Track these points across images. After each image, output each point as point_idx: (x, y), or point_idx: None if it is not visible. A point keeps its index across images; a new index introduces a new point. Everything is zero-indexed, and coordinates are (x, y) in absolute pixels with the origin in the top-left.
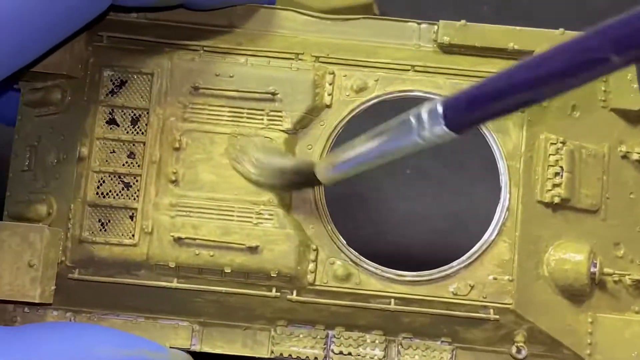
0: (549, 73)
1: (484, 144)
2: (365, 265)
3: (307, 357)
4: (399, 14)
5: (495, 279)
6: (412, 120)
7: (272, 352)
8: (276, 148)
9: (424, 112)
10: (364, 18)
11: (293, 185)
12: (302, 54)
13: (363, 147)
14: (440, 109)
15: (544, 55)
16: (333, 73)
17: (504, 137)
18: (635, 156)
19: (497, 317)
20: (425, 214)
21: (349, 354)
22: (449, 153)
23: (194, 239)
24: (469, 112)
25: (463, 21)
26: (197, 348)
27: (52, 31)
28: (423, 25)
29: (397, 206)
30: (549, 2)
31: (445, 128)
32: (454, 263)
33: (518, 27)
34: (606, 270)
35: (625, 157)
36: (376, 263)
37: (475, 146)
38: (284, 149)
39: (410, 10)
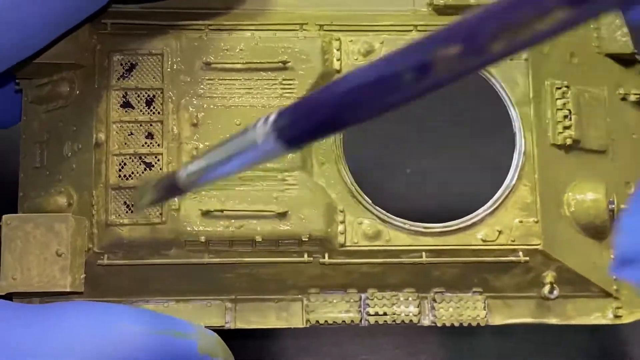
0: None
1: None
2: (393, 222)
3: (344, 321)
4: None
5: (520, 222)
6: (249, 132)
7: (307, 321)
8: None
9: (258, 126)
10: None
11: (163, 196)
12: (306, 24)
13: (212, 155)
14: (271, 120)
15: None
16: (339, 39)
17: (512, 86)
18: (632, 98)
19: (527, 258)
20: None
21: (384, 313)
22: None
23: (222, 211)
24: (299, 124)
25: None
26: (231, 325)
27: (53, 24)
28: None
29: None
30: None
31: (277, 141)
32: (480, 210)
33: None
34: (623, 206)
35: (624, 99)
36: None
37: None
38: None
39: None
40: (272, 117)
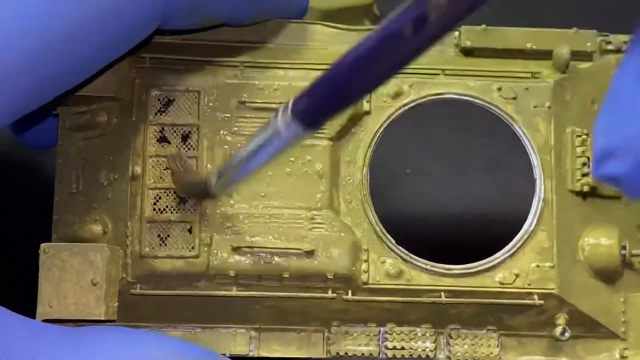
0: (364, 56)
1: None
2: (415, 262)
3: (363, 354)
4: None
5: (537, 266)
6: (271, 123)
7: (328, 352)
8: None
9: (279, 112)
10: None
11: (192, 195)
12: None
13: (239, 155)
14: (290, 106)
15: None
16: None
17: (534, 133)
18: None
19: (542, 302)
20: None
21: (402, 348)
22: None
23: (252, 247)
24: (312, 107)
25: (484, 25)
26: (255, 354)
27: (100, 56)
28: None
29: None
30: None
31: (297, 124)
32: (499, 254)
33: (534, 29)
34: (634, 251)
35: None
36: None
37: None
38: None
39: None
40: (290, 104)
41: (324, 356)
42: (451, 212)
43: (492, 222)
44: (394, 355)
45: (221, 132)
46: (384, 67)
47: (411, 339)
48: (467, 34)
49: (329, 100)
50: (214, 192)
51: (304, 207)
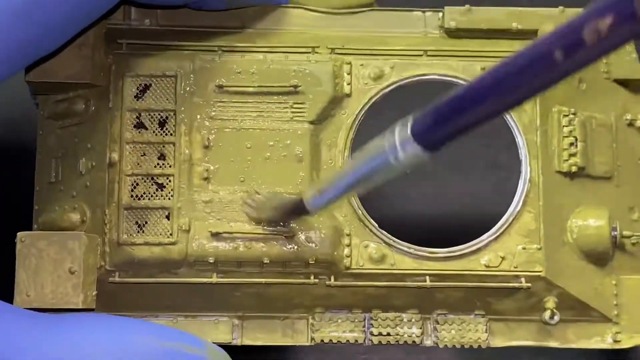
0: (504, 79)
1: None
2: (398, 246)
3: (348, 340)
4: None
5: (524, 248)
6: (385, 142)
7: (312, 339)
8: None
9: (396, 132)
10: (369, 10)
11: (286, 216)
12: (318, 47)
13: (344, 174)
14: (409, 128)
15: (500, 64)
16: (350, 63)
17: (519, 113)
18: (639, 123)
19: (529, 284)
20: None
21: (388, 334)
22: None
23: (231, 233)
24: (437, 127)
25: (467, 6)
26: (238, 342)
27: (71, 23)
28: (428, 13)
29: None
30: None
31: (416, 146)
32: (484, 236)
33: (519, 8)
34: (625, 233)
35: (630, 124)
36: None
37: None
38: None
39: (409, 5)
40: (408, 123)
41: (309, 343)
42: (446, 208)
43: (484, 213)
44: (379, 341)
45: (199, 117)
46: (526, 89)
47: (397, 325)
48: (451, 15)
49: (459, 120)
50: (311, 210)
51: (284, 192)
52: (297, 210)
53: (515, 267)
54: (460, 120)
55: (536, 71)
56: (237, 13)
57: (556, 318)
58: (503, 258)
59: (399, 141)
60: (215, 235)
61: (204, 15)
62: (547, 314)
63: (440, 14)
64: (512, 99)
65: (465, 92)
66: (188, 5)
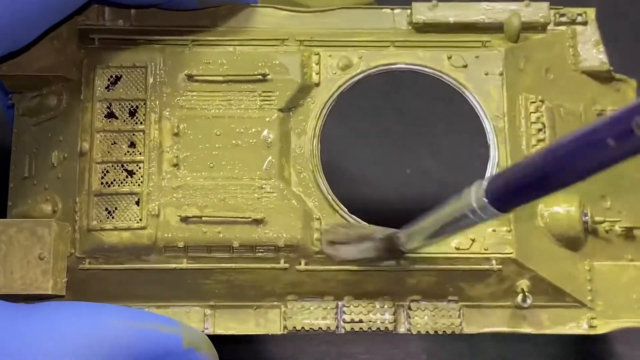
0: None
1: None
2: None
3: (320, 328)
4: None
5: (494, 230)
6: (465, 206)
7: (284, 327)
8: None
9: (472, 197)
10: (339, 8)
11: (381, 258)
12: (287, 39)
13: (431, 227)
14: (483, 193)
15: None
16: (318, 54)
17: (486, 99)
18: (609, 114)
19: (500, 267)
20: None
21: (360, 321)
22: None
23: (200, 217)
24: (508, 195)
25: (435, 1)
26: (210, 331)
27: (37, 17)
28: (397, 10)
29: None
30: None
31: (492, 208)
32: None
33: (486, 3)
34: (597, 218)
35: (600, 114)
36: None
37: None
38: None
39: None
40: (484, 187)
41: (281, 332)
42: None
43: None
44: (352, 328)
45: (168, 106)
46: (584, 168)
47: (369, 312)
48: (419, 10)
49: (526, 188)
50: (406, 250)
51: (252, 177)
52: (391, 250)
53: (485, 249)
54: (527, 195)
55: (591, 154)
56: (209, 12)
57: (529, 301)
58: (473, 240)
59: (476, 205)
60: (185, 220)
61: (177, 14)
62: (519, 297)
63: (409, 10)
64: (571, 176)
65: (529, 168)
66: (160, 4)
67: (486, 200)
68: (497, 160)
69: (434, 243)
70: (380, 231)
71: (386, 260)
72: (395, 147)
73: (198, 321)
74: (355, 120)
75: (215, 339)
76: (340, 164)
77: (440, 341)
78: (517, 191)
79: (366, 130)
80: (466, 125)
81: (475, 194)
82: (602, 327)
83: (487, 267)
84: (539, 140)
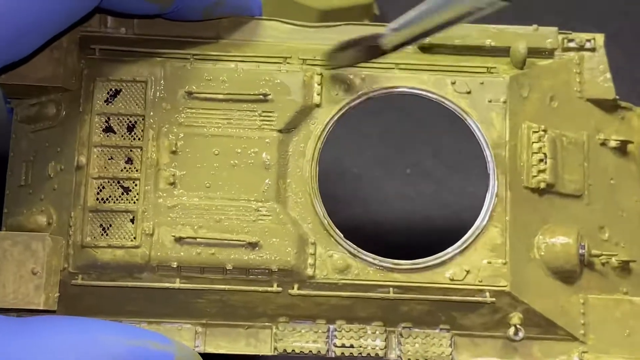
0: None
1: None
2: (362, 257)
3: (311, 351)
4: (400, 13)
5: (489, 262)
6: None
7: (275, 349)
8: None
9: None
10: (344, 24)
11: (360, 56)
12: (290, 57)
13: (425, 21)
14: None
15: None
16: (321, 74)
17: (488, 127)
18: (612, 143)
19: (493, 299)
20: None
21: (351, 345)
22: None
23: (195, 238)
24: None
25: None
26: (200, 349)
27: (46, 27)
28: None
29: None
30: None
31: None
32: (449, 249)
33: (494, 25)
34: (594, 252)
35: (603, 144)
36: (373, 254)
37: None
38: None
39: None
40: None
41: (272, 353)
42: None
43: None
44: (342, 353)
45: (167, 123)
46: None
47: (361, 337)
48: None
49: None
50: (386, 46)
51: (249, 199)
52: (371, 49)
53: (480, 282)
54: None
55: None
56: (212, 24)
57: (520, 334)
58: (468, 272)
59: None
60: (179, 240)
61: (180, 25)
62: (511, 330)
63: None
64: None
65: None
66: (164, 15)
67: None
68: (496, 191)
69: (422, 37)
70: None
71: (365, 60)
72: (395, 147)
73: (189, 339)
74: (355, 120)
75: (209, 357)
76: (341, 164)
77: None
78: None
79: (367, 131)
80: (466, 126)
81: None
82: None
83: (480, 299)
84: (540, 171)
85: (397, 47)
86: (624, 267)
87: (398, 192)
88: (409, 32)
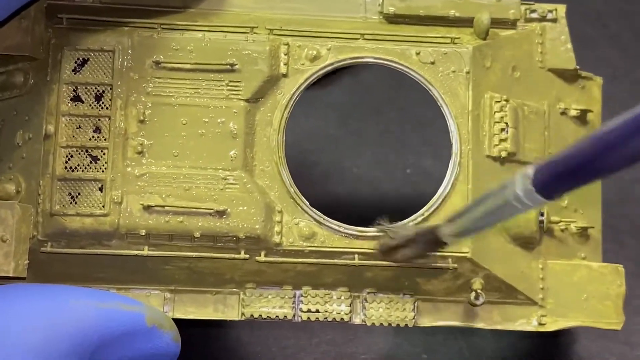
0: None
1: None
2: (328, 224)
3: (277, 316)
4: None
5: None
6: (510, 194)
7: (242, 314)
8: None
9: (517, 185)
10: None
11: (423, 249)
12: (257, 27)
13: (473, 213)
14: (530, 181)
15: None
16: (287, 44)
17: (452, 98)
18: (573, 112)
19: (455, 265)
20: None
21: (317, 310)
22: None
23: (163, 206)
24: (555, 182)
25: None
26: (169, 315)
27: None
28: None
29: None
30: None
31: (538, 196)
32: (412, 217)
33: None
34: (553, 218)
35: (564, 113)
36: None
37: None
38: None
39: None
40: (529, 172)
41: (239, 318)
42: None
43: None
44: (308, 318)
45: (135, 92)
46: (636, 153)
47: (326, 302)
48: (390, 1)
49: (574, 176)
50: (447, 241)
51: (217, 168)
52: (433, 241)
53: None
54: (574, 181)
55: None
56: None
57: (481, 299)
58: None
59: (523, 194)
60: (147, 208)
61: None
62: (472, 295)
63: (381, 0)
64: (625, 160)
65: (579, 149)
66: None
67: (533, 188)
68: (459, 160)
69: (477, 233)
70: (419, 229)
71: (430, 252)
72: (395, 147)
73: (158, 304)
74: (356, 120)
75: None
76: (341, 164)
77: (441, 340)
78: (564, 177)
79: (367, 131)
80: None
81: (521, 183)
82: (551, 325)
83: (442, 265)
84: (501, 140)
85: (457, 236)
86: (582, 234)
87: (398, 192)
88: (465, 230)
